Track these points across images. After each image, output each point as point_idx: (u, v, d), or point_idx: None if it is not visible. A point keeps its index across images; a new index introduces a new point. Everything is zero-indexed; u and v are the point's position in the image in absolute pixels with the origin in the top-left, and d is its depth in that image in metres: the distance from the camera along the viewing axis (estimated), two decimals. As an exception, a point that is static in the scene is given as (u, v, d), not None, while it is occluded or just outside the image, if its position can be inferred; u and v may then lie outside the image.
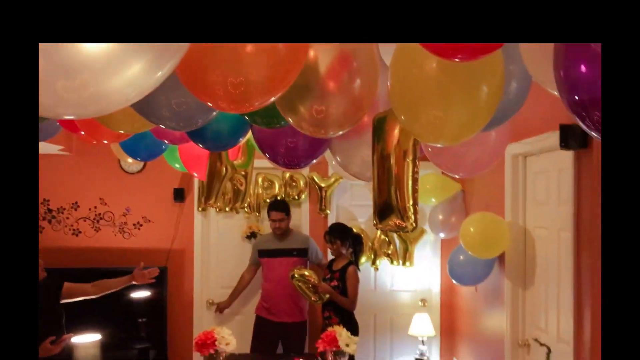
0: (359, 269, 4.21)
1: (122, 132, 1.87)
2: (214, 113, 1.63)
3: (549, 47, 1.31)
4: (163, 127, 1.63)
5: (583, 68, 1.23)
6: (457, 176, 2.91)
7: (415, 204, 1.67)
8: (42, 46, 0.97)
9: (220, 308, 4.57)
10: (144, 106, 1.54)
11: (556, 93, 1.64)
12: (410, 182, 1.65)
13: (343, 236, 4.20)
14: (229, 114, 2.05)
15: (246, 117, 1.83)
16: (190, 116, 1.58)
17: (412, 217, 1.68)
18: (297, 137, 2.09)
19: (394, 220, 1.66)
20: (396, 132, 1.64)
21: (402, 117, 1.45)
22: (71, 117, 1.17)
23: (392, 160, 1.66)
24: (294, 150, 2.14)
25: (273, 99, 1.32)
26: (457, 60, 1.12)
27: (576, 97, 1.24)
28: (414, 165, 1.66)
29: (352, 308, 4.09)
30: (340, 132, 1.60)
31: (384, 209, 1.68)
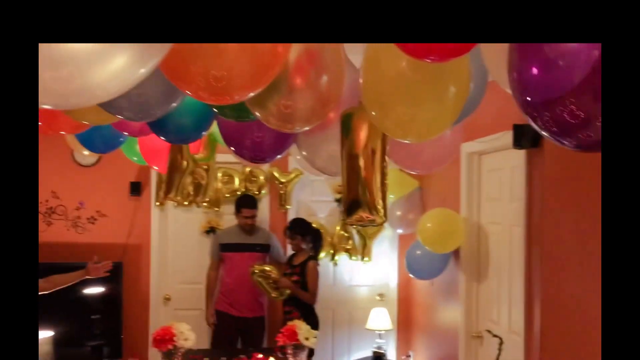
0: (318, 264, 4.25)
1: (85, 122, 1.83)
2: (173, 104, 1.63)
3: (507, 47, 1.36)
4: (121, 117, 1.61)
5: (535, 70, 1.28)
6: (414, 172, 2.98)
7: (384, 197, 1.71)
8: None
9: (210, 322, 4.35)
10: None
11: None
12: (379, 176, 1.69)
13: (303, 231, 4.23)
14: (191, 107, 2.04)
15: (215, 110, 1.82)
16: (148, 107, 1.56)
17: (382, 210, 1.72)
18: (263, 132, 2.10)
19: (362, 214, 1.69)
20: (365, 127, 1.67)
21: (373, 113, 1.49)
22: (49, 107, 1.15)
23: (361, 155, 1.69)
24: (260, 145, 2.14)
25: (252, 94, 1.34)
26: (429, 61, 1.15)
27: (528, 99, 1.30)
28: (383, 160, 1.70)
29: (312, 302, 4.13)
30: (307, 128, 1.63)
31: (353, 204, 1.71)
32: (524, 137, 2.70)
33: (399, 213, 4.36)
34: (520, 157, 2.89)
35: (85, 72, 0.98)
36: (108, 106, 1.59)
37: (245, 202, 4.36)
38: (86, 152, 3.88)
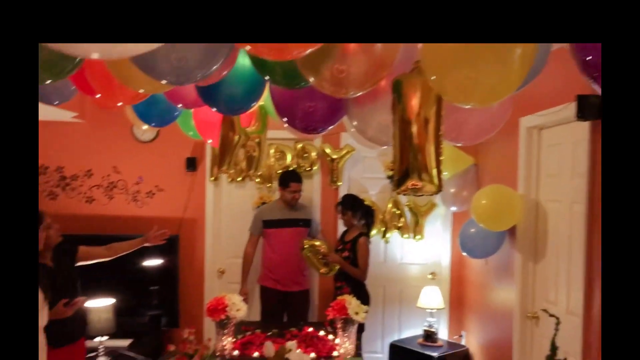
0: (369, 241, 4.23)
1: (141, 91, 1.87)
2: (214, 67, 1.63)
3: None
4: (164, 82, 1.62)
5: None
6: (458, 144, 2.88)
7: (438, 165, 1.66)
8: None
9: (245, 297, 4.30)
10: (144, 62, 1.54)
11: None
12: (433, 143, 1.63)
13: (355, 208, 4.21)
14: (241, 76, 2.04)
15: (267, 77, 1.82)
16: (189, 70, 1.57)
17: (436, 178, 1.66)
18: (315, 101, 2.08)
19: (414, 182, 1.64)
20: (417, 93, 1.62)
21: (433, 77, 1.43)
22: (96, 56, 1.18)
23: (414, 122, 1.63)
24: (312, 115, 2.13)
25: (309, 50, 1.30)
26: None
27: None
28: (438, 127, 1.64)
29: (362, 278, 4.12)
30: (361, 92, 1.59)
31: (405, 171, 1.66)
32: (588, 109, 2.56)
33: (452, 190, 4.26)
34: (583, 130, 2.75)
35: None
36: (150, 70, 1.61)
37: (294, 177, 4.38)
38: (145, 127, 4.00)
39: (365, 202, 4.44)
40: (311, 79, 1.56)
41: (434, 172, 1.65)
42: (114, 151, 4.83)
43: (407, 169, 1.65)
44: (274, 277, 4.36)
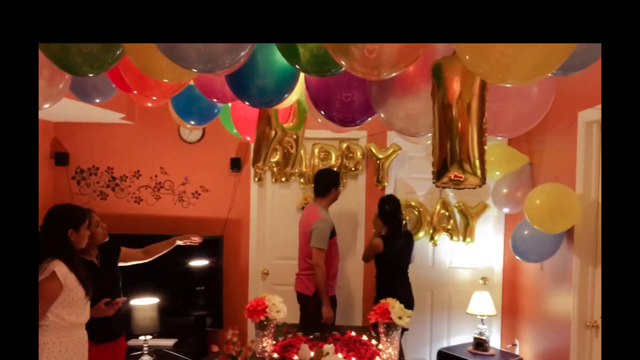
0: (404, 240, 4.18)
1: (165, 80, 1.83)
2: (242, 53, 1.56)
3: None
4: (194, 70, 1.57)
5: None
6: (498, 137, 2.69)
7: (481, 155, 1.51)
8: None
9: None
10: (172, 50, 1.49)
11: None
12: (476, 131, 1.49)
13: (379, 214, 4.22)
14: (274, 68, 1.97)
15: (296, 66, 1.74)
16: (216, 57, 1.50)
17: (479, 169, 1.52)
18: (352, 91, 1.99)
19: (455, 173, 1.50)
20: (458, 77, 1.48)
21: (467, 57, 1.30)
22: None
23: (455, 107, 1.50)
24: (350, 106, 2.03)
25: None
26: None
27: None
28: (481, 113, 1.49)
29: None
30: (395, 73, 1.47)
31: (445, 162, 1.52)
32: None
33: (505, 190, 4.04)
34: (649, 122, 2.51)
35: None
36: (179, 59, 1.56)
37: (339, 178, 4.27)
38: (188, 126, 4.02)
39: (387, 207, 4.21)
40: (342, 62, 1.46)
41: (477, 162, 1.50)
42: (161, 152, 4.89)
43: (447, 159, 1.52)
44: (336, 284, 4.19)
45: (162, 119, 4.36)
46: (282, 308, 3.19)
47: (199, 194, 4.89)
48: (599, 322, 3.04)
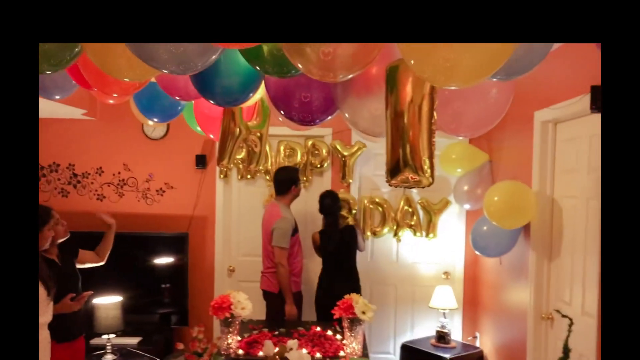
0: (341, 234, 4.26)
1: (126, 79, 1.82)
2: (213, 57, 1.57)
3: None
4: (165, 71, 1.57)
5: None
6: (460, 137, 2.77)
7: (431, 157, 1.57)
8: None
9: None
10: (143, 50, 1.49)
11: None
12: (426, 134, 1.55)
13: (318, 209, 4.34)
14: (238, 67, 1.98)
15: (257, 67, 1.76)
16: (189, 59, 1.51)
17: (429, 170, 1.58)
18: (311, 91, 2.02)
19: (407, 175, 1.56)
20: (410, 80, 1.54)
21: (412, 62, 1.35)
22: None
23: (406, 111, 1.56)
24: (309, 105, 2.06)
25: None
26: None
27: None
28: (430, 116, 1.55)
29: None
30: (350, 76, 1.51)
31: (398, 163, 1.58)
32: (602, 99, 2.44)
33: (466, 187, 4.16)
34: (598, 123, 2.62)
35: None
36: (151, 60, 1.56)
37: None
38: (151, 123, 3.98)
39: (327, 200, 4.29)
40: (299, 64, 1.49)
41: (427, 163, 1.56)
42: (124, 148, 4.82)
43: (400, 161, 1.57)
44: (299, 280, 4.22)
45: (125, 115, 4.28)
46: (247, 305, 3.20)
47: (164, 191, 4.85)
48: (554, 315, 3.16)
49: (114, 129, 4.80)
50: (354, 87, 1.85)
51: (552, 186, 3.26)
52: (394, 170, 1.58)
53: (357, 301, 3.16)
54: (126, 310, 3.88)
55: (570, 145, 3.08)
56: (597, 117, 2.62)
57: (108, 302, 3.77)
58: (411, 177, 1.54)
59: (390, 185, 1.64)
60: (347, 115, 2.03)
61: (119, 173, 4.84)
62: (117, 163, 4.83)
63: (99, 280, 3.72)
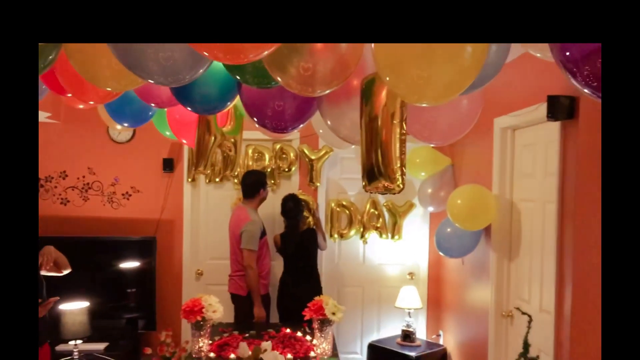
0: (301, 237, 4.38)
1: (109, 89, 1.84)
2: (201, 70, 1.62)
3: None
4: (152, 82, 1.61)
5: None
6: (432, 144, 2.92)
7: (402, 165, 1.67)
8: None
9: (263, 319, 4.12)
10: (132, 60, 1.52)
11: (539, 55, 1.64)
12: (397, 144, 1.65)
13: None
14: (216, 76, 2.03)
15: (237, 77, 1.81)
16: (177, 71, 1.56)
17: (400, 178, 1.68)
18: (284, 100, 2.08)
19: (382, 182, 1.66)
20: (383, 94, 1.63)
21: (387, 78, 1.44)
22: None
23: (379, 122, 1.65)
24: (282, 114, 2.13)
25: (266, 52, 1.32)
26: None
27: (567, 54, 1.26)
28: (401, 127, 1.66)
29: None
30: (328, 91, 1.59)
31: (372, 172, 1.68)
32: (558, 108, 2.60)
33: (430, 190, 4.30)
34: (554, 130, 2.79)
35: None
36: (139, 70, 1.59)
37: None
38: (119, 127, 3.96)
39: (289, 203, 4.39)
40: (278, 78, 1.56)
41: (399, 171, 1.67)
42: (89, 152, 4.76)
43: (375, 170, 1.67)
44: (268, 282, 4.28)
45: (90, 118, 4.26)
46: (219, 308, 3.24)
47: (130, 195, 4.81)
48: (514, 312, 3.32)
49: (79, 132, 4.74)
50: (337, 96, 1.93)
51: (511, 190, 3.43)
52: (370, 178, 1.67)
53: (327, 302, 3.24)
54: (93, 315, 3.84)
55: (528, 150, 3.25)
56: (553, 125, 2.78)
57: (74, 308, 3.72)
58: (385, 185, 1.64)
59: (366, 191, 1.74)
60: (329, 122, 2.11)
61: (84, 177, 4.78)
62: (82, 167, 4.77)
63: (65, 286, 3.67)
